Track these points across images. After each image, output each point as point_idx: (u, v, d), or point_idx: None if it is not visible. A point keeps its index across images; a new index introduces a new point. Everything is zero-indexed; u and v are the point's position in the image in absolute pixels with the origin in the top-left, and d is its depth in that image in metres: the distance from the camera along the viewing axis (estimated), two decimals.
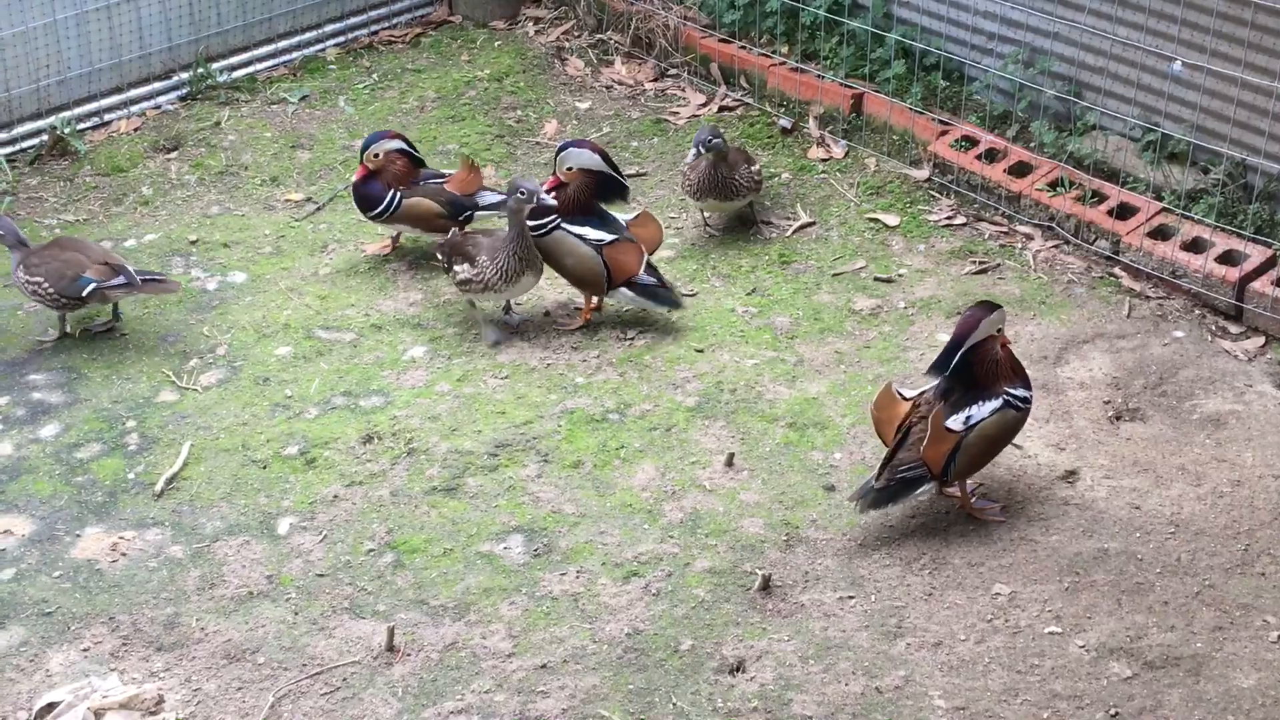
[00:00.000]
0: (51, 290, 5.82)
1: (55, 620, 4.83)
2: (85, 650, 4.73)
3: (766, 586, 4.92)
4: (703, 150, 6.43)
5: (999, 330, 5.06)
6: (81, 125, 7.17)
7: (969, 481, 5.21)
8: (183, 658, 4.72)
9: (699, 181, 6.48)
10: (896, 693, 4.59)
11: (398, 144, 6.28)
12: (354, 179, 6.33)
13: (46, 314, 6.05)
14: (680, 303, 6.10)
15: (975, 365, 5.03)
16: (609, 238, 6.00)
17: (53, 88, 7.10)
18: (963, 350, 5.00)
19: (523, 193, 5.76)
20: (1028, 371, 5.24)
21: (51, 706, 4.53)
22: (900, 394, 5.16)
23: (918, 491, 5.06)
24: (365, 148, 6.26)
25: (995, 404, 5.04)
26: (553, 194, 5.94)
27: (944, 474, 5.04)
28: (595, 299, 6.12)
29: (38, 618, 4.84)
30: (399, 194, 6.26)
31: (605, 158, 6.07)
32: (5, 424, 5.60)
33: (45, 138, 7.05)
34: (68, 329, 6.01)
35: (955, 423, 5.01)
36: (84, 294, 5.83)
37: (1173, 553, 5.06)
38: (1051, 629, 4.80)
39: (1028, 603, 4.88)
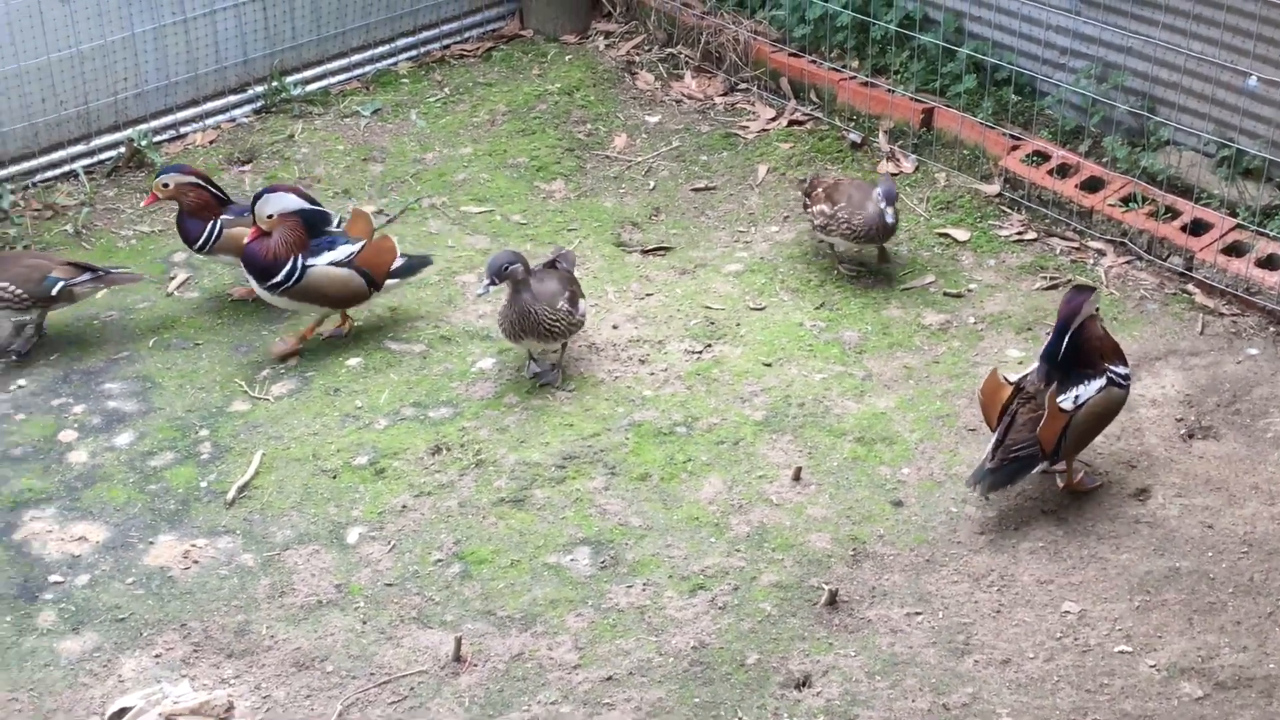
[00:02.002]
0: (20, 293, 5.93)
1: (128, 626, 4.89)
2: (157, 656, 4.79)
3: (833, 601, 4.91)
4: (496, 281, 5.63)
5: (1096, 310, 5.22)
6: (158, 138, 7.27)
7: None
8: (253, 665, 4.77)
9: (508, 323, 5.71)
10: (964, 710, 4.56)
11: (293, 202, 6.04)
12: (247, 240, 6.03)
13: (11, 321, 6.09)
14: (431, 259, 6.27)
15: (1080, 346, 5.17)
16: (353, 249, 6.03)
17: (130, 101, 7.20)
18: (1070, 333, 5.11)
19: (507, 269, 5.63)
20: None
21: (124, 712, 4.59)
22: (1005, 379, 5.27)
23: (1032, 471, 5.17)
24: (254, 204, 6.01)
25: (1100, 382, 5.18)
26: (258, 242, 5.90)
27: (1054, 453, 5.15)
28: (350, 313, 6.15)
29: (111, 624, 4.91)
30: (219, 228, 6.15)
31: (299, 193, 6.04)
32: (81, 432, 5.69)
33: (122, 150, 7.15)
34: (44, 331, 6.12)
35: (1065, 402, 5.13)
36: (53, 292, 5.96)
37: (1246, 572, 5.00)
38: (1121, 648, 4.75)
39: (1098, 621, 4.84)
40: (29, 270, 5.98)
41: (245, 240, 5.92)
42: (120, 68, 7.11)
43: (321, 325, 6.15)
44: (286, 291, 5.96)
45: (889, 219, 6.21)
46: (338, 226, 6.13)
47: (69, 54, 6.93)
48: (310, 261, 5.94)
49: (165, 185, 6.17)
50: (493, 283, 5.63)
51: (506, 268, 5.63)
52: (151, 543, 5.21)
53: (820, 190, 6.39)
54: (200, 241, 6.19)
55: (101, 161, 7.13)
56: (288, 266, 5.91)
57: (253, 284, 6.00)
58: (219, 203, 6.23)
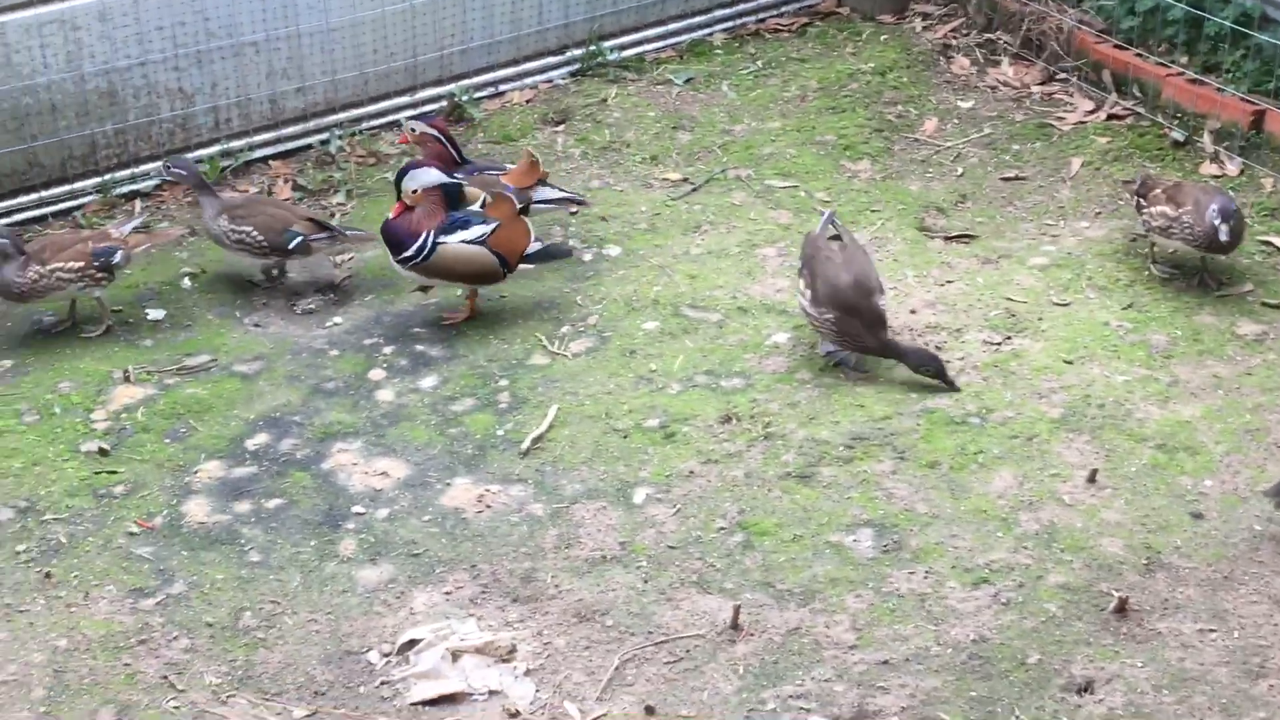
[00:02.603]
0: (261, 240, 6.16)
1: (422, 562, 5.08)
2: (447, 594, 4.96)
3: (1122, 609, 4.78)
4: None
5: None
6: (478, 94, 7.49)
7: None
8: (536, 611, 4.90)
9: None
10: None
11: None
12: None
13: (249, 262, 6.36)
14: (569, 251, 6.36)
15: None
16: (486, 229, 5.98)
17: (455, 56, 7.43)
18: None
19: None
20: None
21: (413, 643, 4.77)
22: None
23: None
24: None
25: None
26: (400, 217, 5.92)
27: None
28: (477, 292, 6.16)
29: (406, 558, 5.10)
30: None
31: (440, 168, 6.04)
32: (389, 372, 5.91)
33: (444, 104, 7.39)
34: (273, 275, 6.38)
35: None
36: (290, 246, 6.20)
37: None
38: None
39: None
40: (272, 220, 6.24)
41: (390, 215, 5.97)
42: (448, 24, 7.34)
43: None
44: (416, 266, 5.97)
45: (1223, 236, 5.94)
46: (480, 206, 6.11)
47: (402, 8, 7.19)
48: (442, 239, 5.96)
49: (412, 130, 6.41)
50: None
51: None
52: (448, 484, 5.39)
53: (1160, 191, 6.17)
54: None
55: (424, 114, 7.38)
56: (419, 242, 5.94)
57: (387, 257, 6.06)
58: (454, 161, 6.36)
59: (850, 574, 4.98)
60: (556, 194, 6.50)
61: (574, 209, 6.64)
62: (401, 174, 6.00)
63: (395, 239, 5.97)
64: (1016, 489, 5.28)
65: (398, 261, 6.00)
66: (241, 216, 6.24)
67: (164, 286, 6.40)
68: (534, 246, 6.14)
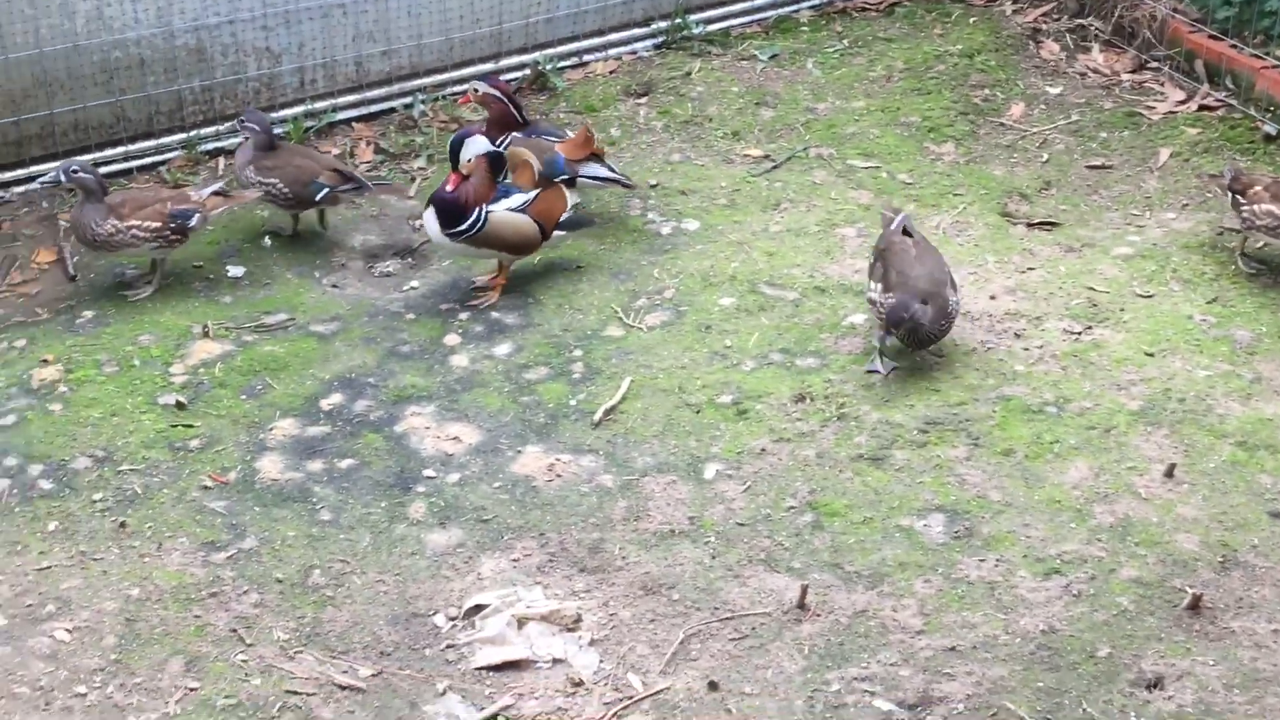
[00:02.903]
0: (288, 192, 6.22)
1: (491, 528, 5.09)
2: (515, 561, 4.97)
3: (1195, 606, 4.72)
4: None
5: None
6: (561, 64, 7.48)
7: None
8: (603, 582, 4.90)
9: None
10: None
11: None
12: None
13: (277, 214, 6.44)
14: (593, 220, 6.38)
15: None
16: (527, 197, 6.01)
17: (540, 25, 7.42)
18: None
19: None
20: None
21: (479, 608, 4.79)
22: None
23: None
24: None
25: None
26: (458, 189, 5.87)
27: None
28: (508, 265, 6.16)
29: (475, 523, 5.11)
30: (506, 144, 6.23)
31: (486, 134, 6.10)
32: (464, 338, 5.93)
33: (527, 72, 7.39)
34: (298, 229, 6.44)
35: None
36: (317, 197, 6.27)
37: None
38: None
39: None
40: (299, 171, 6.29)
41: (446, 187, 5.88)
42: None
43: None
44: (468, 238, 5.93)
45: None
46: (504, 178, 6.09)
47: None
48: (490, 207, 5.94)
49: (475, 90, 6.45)
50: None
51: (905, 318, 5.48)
52: (520, 451, 5.40)
53: (1262, 189, 6.05)
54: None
55: (507, 81, 7.36)
56: (473, 215, 5.91)
57: (431, 228, 5.95)
58: (517, 122, 6.38)
59: (920, 559, 4.95)
60: (605, 172, 6.45)
61: (619, 187, 6.57)
62: (456, 143, 5.96)
63: (455, 210, 5.90)
64: (1092, 480, 5.22)
65: (451, 233, 5.92)
66: (268, 168, 6.27)
67: (245, 244, 6.45)
68: (568, 213, 6.19)
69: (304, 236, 6.48)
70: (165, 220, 6.01)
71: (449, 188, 5.90)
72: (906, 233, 5.85)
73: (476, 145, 5.96)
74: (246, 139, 6.34)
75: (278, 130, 6.95)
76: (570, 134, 6.55)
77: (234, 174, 6.46)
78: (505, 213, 5.97)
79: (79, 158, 6.31)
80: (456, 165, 5.94)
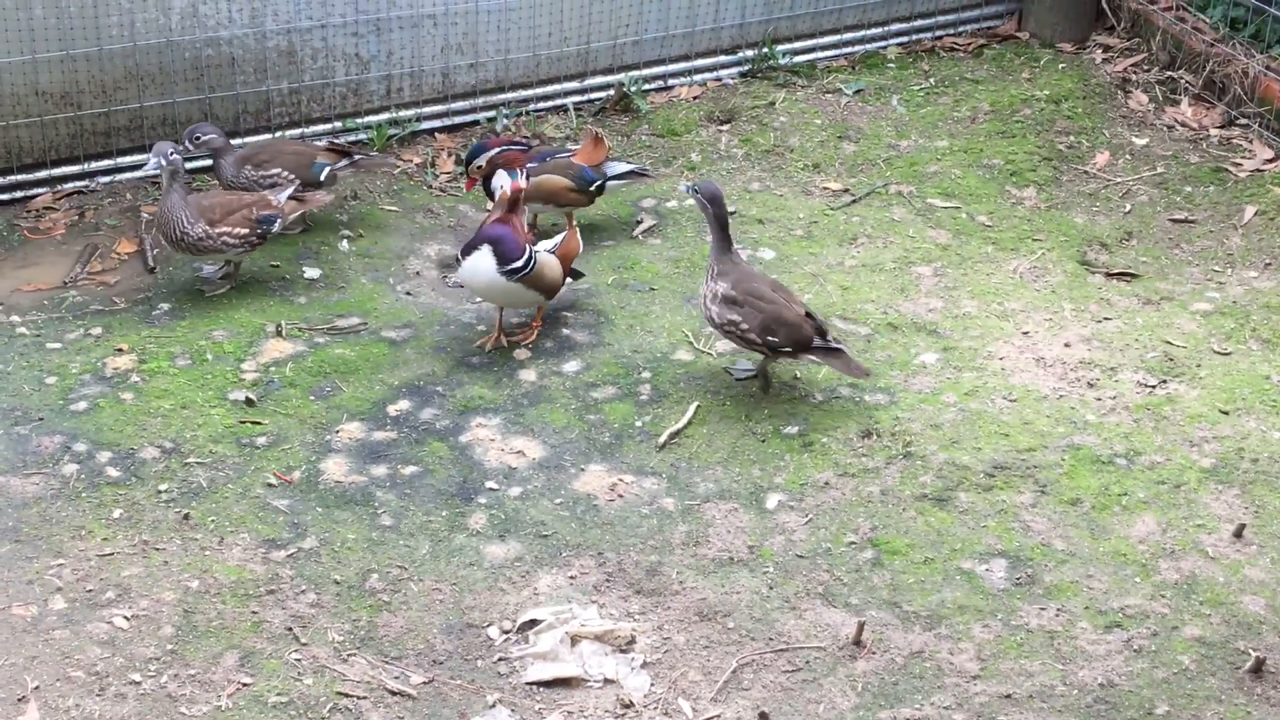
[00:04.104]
0: (293, 178, 6.30)
1: (550, 544, 5.09)
2: (572, 578, 4.96)
3: (1259, 670, 4.64)
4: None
5: None
6: (646, 86, 7.49)
7: None
8: (659, 605, 4.88)
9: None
10: None
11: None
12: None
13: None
14: (581, 273, 6.15)
15: None
16: (555, 240, 5.99)
17: (627, 47, 7.44)
18: None
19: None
20: None
21: (534, 623, 4.78)
22: None
23: None
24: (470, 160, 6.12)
25: None
26: (512, 229, 5.73)
27: None
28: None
29: (535, 538, 5.11)
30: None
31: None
32: (534, 353, 5.93)
33: (611, 93, 7.40)
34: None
35: None
36: (321, 177, 6.37)
37: None
38: None
39: None
40: (298, 157, 6.39)
41: (497, 227, 5.72)
42: (625, 14, 7.35)
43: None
44: (522, 278, 5.73)
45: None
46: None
47: None
48: (534, 249, 5.80)
49: (478, 167, 6.18)
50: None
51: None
52: (582, 469, 5.39)
53: None
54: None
55: (591, 100, 7.40)
56: (526, 254, 5.74)
57: (483, 266, 5.68)
58: (525, 155, 6.16)
59: (979, 603, 4.90)
60: (626, 168, 6.55)
61: (641, 180, 6.68)
62: (472, 154, 6.11)
63: (509, 252, 5.68)
64: (1159, 535, 5.15)
65: (507, 271, 5.69)
66: (265, 161, 6.33)
67: (322, 246, 6.49)
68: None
69: (376, 244, 6.52)
70: (252, 227, 6.07)
71: (497, 223, 5.74)
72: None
73: (501, 179, 5.81)
74: (214, 150, 6.29)
75: (360, 136, 7.03)
76: (573, 147, 6.64)
77: (228, 180, 6.37)
78: (545, 254, 5.86)
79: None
80: (477, 175, 6.08)
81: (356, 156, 6.57)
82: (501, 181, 5.83)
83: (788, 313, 5.60)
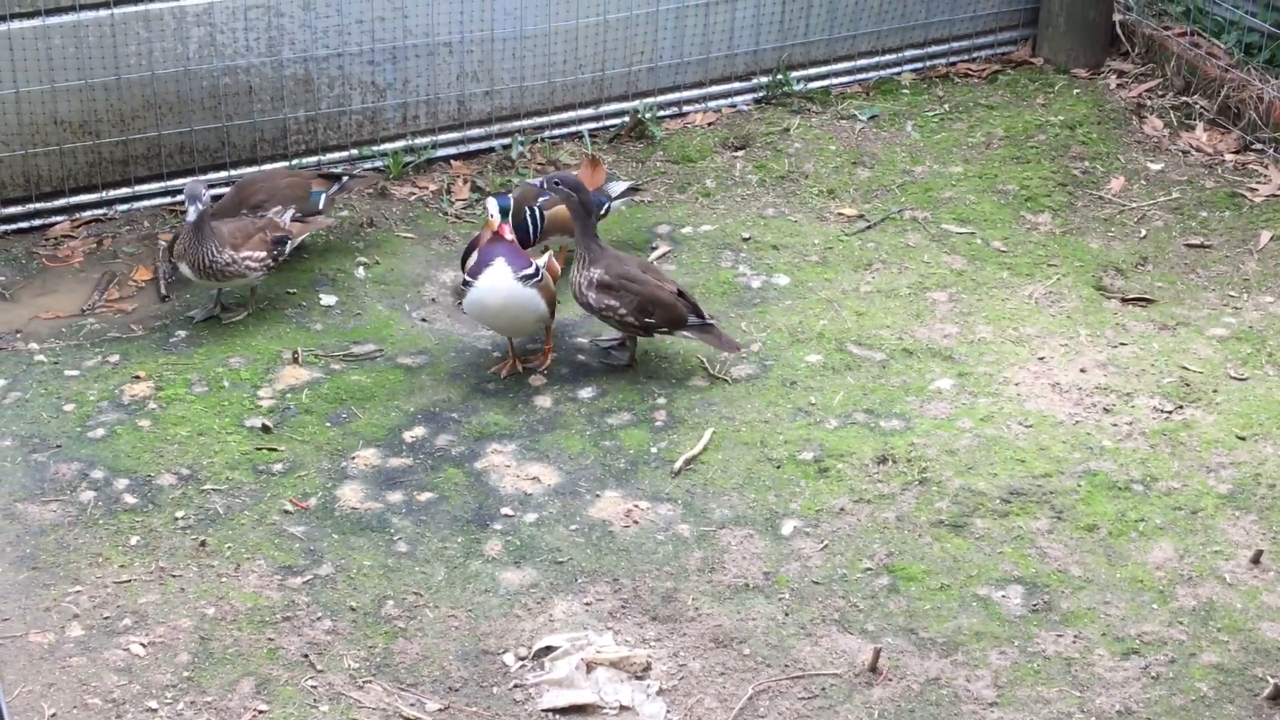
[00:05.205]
0: (296, 211, 6.33)
1: (565, 570, 5.09)
2: (587, 604, 4.96)
3: (1277, 697, 4.62)
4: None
5: None
6: (661, 113, 7.52)
7: None
8: (674, 632, 4.88)
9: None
10: None
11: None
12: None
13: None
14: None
15: None
16: (543, 260, 5.95)
17: (642, 74, 7.47)
18: None
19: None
20: None
21: (549, 650, 4.78)
22: None
23: None
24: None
25: None
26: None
27: None
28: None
29: (550, 565, 5.11)
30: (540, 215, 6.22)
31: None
32: (549, 379, 5.94)
33: (626, 119, 7.43)
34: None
35: None
36: (320, 206, 6.45)
37: None
38: None
39: None
40: (291, 188, 6.43)
41: (499, 243, 5.75)
42: (639, 41, 7.38)
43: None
44: (537, 284, 5.79)
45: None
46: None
47: (595, 21, 7.24)
48: (537, 262, 5.90)
49: (493, 217, 5.98)
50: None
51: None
52: (598, 495, 5.40)
53: None
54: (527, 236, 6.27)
55: (606, 127, 7.42)
56: (533, 266, 5.82)
57: (499, 280, 5.69)
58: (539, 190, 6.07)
59: (996, 629, 4.89)
60: (624, 186, 6.64)
61: (635, 198, 6.82)
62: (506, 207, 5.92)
63: (520, 262, 5.75)
64: (1176, 562, 5.14)
65: (523, 276, 5.72)
66: (263, 201, 6.33)
67: (339, 273, 6.52)
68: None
69: (392, 270, 6.54)
70: (269, 249, 6.10)
71: (500, 244, 5.75)
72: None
73: (491, 205, 5.82)
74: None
75: (377, 164, 7.06)
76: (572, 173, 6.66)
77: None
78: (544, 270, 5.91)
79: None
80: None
81: (344, 179, 6.63)
82: (491, 209, 5.82)
83: (661, 293, 5.81)
